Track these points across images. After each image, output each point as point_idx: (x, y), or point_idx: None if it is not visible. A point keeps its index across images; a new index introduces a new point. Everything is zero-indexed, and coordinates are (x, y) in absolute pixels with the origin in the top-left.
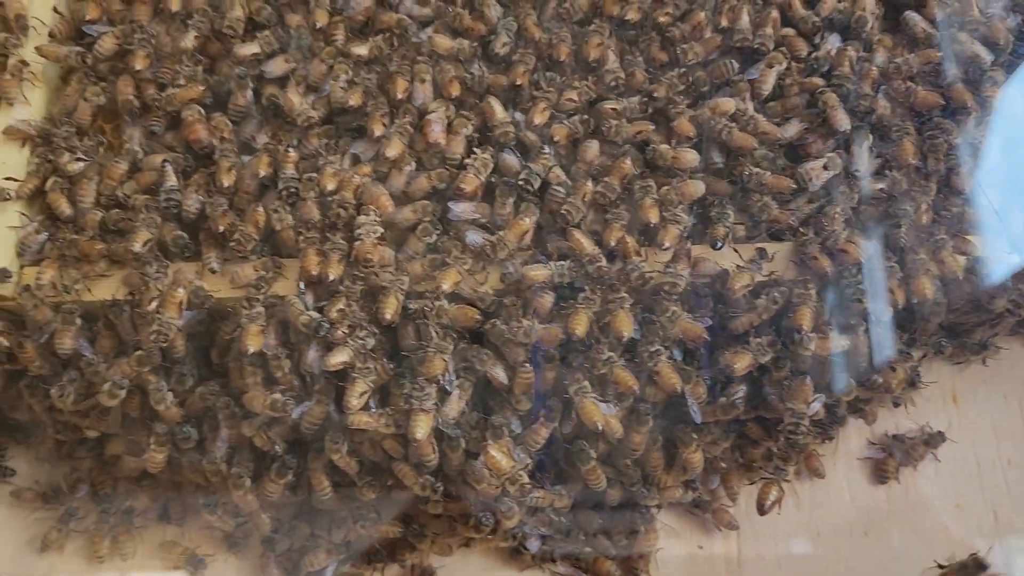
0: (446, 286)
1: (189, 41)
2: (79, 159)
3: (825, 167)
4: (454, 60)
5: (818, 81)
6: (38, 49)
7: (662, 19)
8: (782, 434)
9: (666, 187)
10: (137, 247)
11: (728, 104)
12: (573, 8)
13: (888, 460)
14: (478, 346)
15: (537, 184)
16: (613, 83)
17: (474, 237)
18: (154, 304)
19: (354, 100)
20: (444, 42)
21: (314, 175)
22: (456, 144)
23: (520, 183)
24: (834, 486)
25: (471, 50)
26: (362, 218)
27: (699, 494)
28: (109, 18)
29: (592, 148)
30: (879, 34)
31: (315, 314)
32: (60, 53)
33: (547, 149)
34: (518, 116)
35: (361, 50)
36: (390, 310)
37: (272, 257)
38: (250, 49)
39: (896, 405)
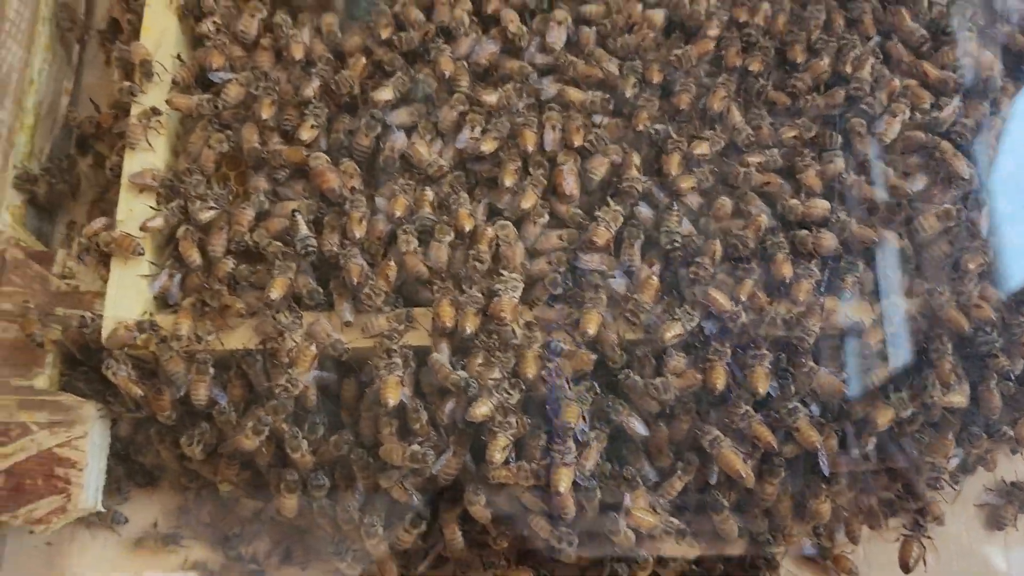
0: (591, 330)
1: (311, 90)
2: (210, 208)
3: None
4: (582, 110)
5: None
6: (169, 101)
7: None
8: (914, 486)
9: (802, 237)
10: (274, 295)
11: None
12: (685, 58)
13: (1006, 507)
14: (613, 396)
15: (679, 243)
16: (745, 141)
17: (617, 282)
18: (288, 357)
19: (487, 147)
20: (576, 95)
21: (447, 218)
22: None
23: (668, 247)
24: (952, 532)
25: (602, 103)
26: (506, 274)
27: (822, 541)
28: (231, 64)
29: (726, 206)
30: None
31: (463, 373)
32: (191, 104)
33: (675, 206)
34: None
35: (491, 98)
36: (531, 369)
37: (406, 310)
38: (384, 95)
39: (1014, 452)
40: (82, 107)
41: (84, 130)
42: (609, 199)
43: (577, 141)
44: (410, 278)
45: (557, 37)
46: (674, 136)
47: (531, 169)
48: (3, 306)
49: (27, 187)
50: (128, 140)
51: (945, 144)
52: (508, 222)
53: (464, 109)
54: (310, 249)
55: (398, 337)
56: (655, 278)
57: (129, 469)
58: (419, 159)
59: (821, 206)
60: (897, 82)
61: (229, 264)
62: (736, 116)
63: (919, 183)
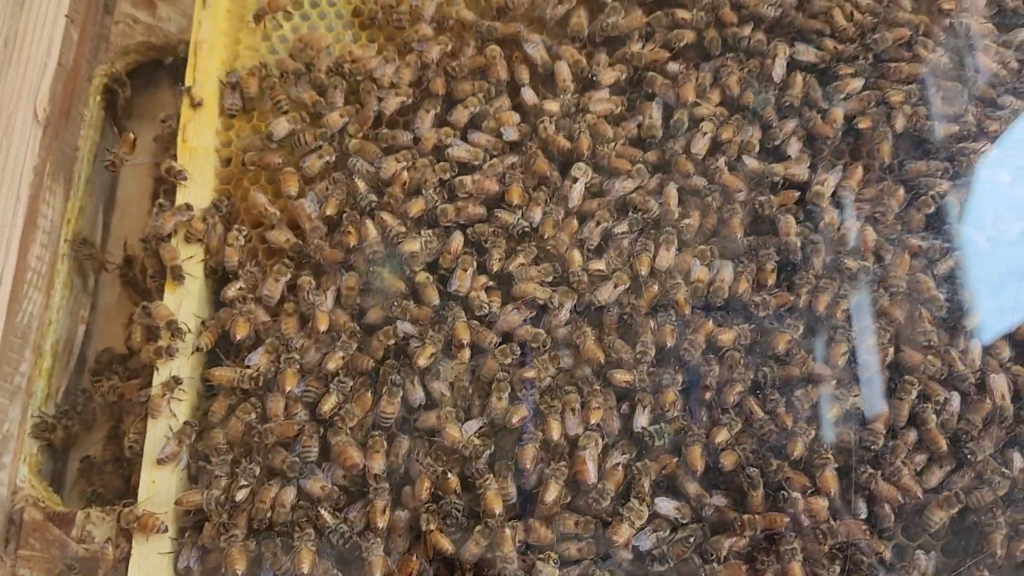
0: None
1: (334, 364)
2: (242, 487)
3: None
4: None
5: None
6: (209, 375)
7: None
8: None
9: None
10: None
11: None
12: None
13: None
14: None
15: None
16: None
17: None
18: None
19: (516, 419)
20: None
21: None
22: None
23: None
24: None
25: None
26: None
27: None
28: (256, 330)
29: None
30: None
31: None
32: (232, 377)
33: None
34: None
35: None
36: None
37: None
38: (424, 359)
39: None
40: (97, 338)
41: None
42: (633, 498)
43: (595, 418)
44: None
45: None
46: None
47: (551, 461)
48: (21, 572)
49: (45, 435)
50: (151, 412)
51: None
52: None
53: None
54: (344, 535)
55: None
56: None
57: None
58: (452, 440)
59: None
60: None
61: (251, 547)
62: None
63: None
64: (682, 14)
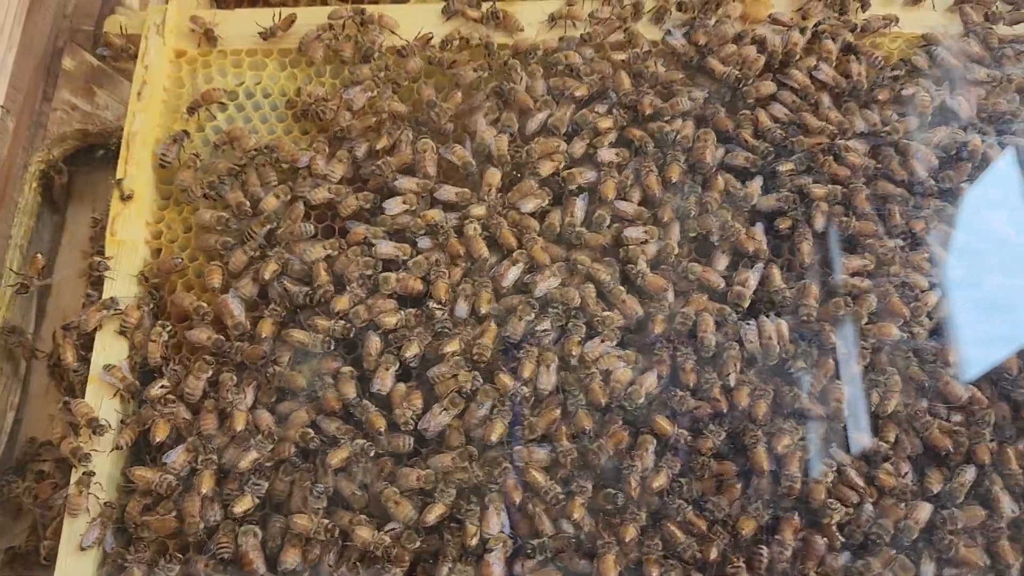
0: None
1: (247, 463)
2: None
3: None
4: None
5: None
6: (130, 473)
7: None
8: None
9: None
10: None
11: None
12: None
13: None
14: None
15: None
16: None
17: None
18: None
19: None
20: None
21: None
22: None
23: None
24: None
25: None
26: None
27: None
28: (175, 427)
29: None
30: None
31: None
32: (153, 479)
33: None
34: None
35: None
36: None
37: None
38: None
39: None
40: (28, 425)
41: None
42: None
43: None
44: None
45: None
46: None
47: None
48: None
49: None
50: (69, 510)
51: None
52: None
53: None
54: None
55: None
56: None
57: None
58: (362, 542)
59: None
60: None
61: None
62: None
63: None
64: (602, 122)
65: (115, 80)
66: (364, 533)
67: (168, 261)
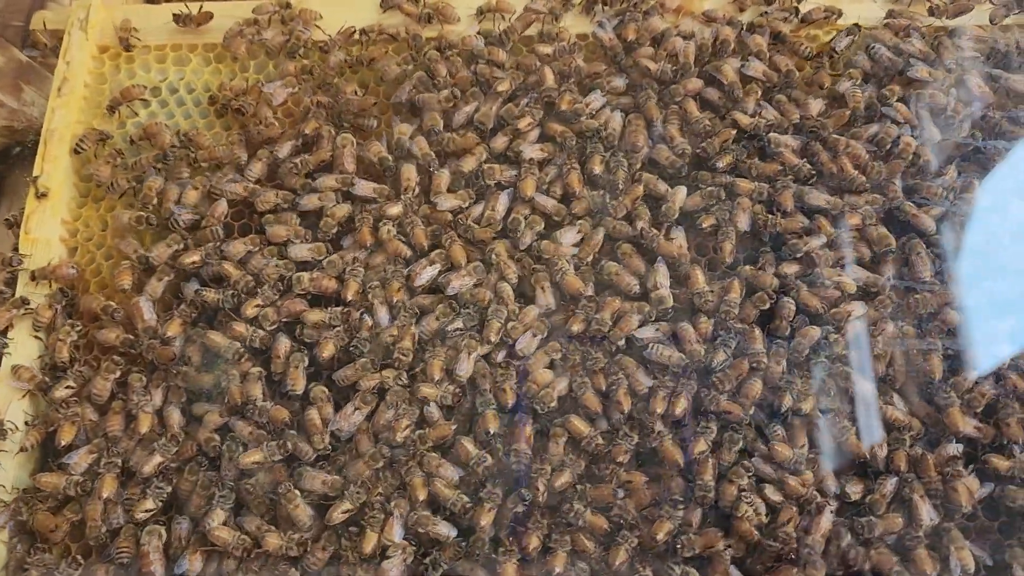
0: None
1: (151, 467)
2: None
3: None
4: None
5: None
6: (36, 479)
7: None
8: None
9: None
10: None
11: None
12: None
13: None
14: None
15: None
16: None
17: None
18: None
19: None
20: None
21: None
22: None
23: None
24: None
25: None
26: None
27: None
28: (82, 428)
29: None
30: None
31: None
32: (59, 483)
33: None
34: None
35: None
36: None
37: None
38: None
39: None
40: None
41: None
42: None
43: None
44: None
45: None
46: None
47: None
48: None
49: None
50: None
51: None
52: None
53: None
54: None
55: None
56: None
57: None
58: (273, 548)
59: None
60: None
61: None
62: None
63: None
64: (522, 124)
65: (43, 76)
66: (273, 539)
67: (63, 268)
